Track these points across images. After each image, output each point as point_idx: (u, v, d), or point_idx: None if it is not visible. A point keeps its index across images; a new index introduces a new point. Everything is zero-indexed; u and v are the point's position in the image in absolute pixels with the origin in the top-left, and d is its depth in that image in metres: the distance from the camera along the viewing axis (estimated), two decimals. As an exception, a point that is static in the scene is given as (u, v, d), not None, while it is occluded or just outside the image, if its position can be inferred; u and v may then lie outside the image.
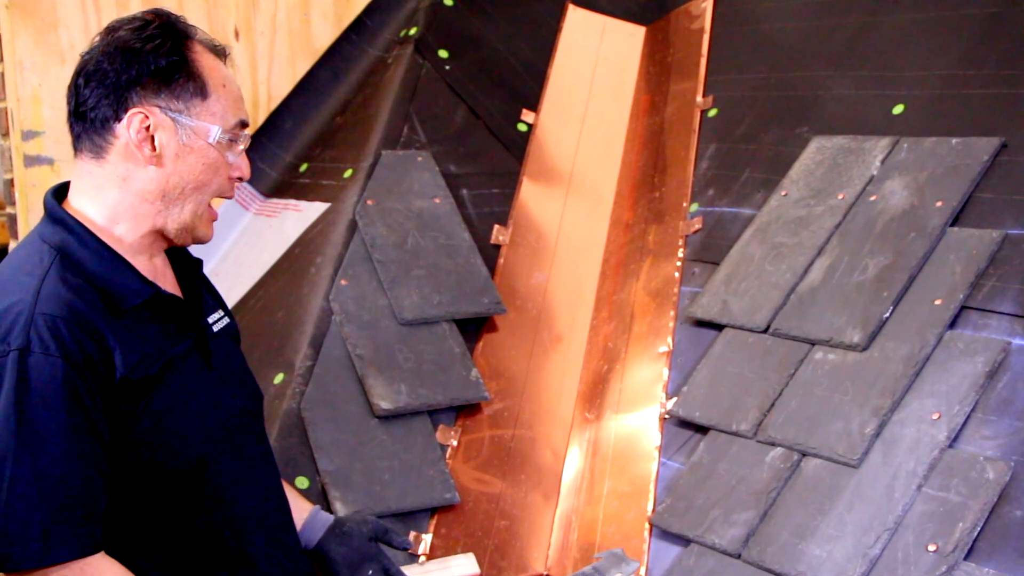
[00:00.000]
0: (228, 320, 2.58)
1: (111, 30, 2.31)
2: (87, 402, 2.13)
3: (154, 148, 2.27)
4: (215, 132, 2.30)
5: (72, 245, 2.25)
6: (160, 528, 2.30)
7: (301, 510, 2.75)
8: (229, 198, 2.44)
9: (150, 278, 2.31)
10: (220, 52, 2.40)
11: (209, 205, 2.38)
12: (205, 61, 2.32)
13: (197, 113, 2.29)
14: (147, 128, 2.25)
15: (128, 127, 2.25)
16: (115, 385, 2.18)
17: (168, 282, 2.42)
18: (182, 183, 2.30)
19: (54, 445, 2.09)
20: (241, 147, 2.37)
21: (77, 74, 2.30)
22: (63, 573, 2.10)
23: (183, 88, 2.28)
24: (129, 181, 2.29)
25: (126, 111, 2.25)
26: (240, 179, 2.40)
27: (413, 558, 3.17)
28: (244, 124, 2.38)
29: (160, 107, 2.26)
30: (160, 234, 2.35)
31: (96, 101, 2.26)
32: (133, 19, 2.32)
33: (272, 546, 2.48)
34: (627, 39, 4.69)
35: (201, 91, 2.30)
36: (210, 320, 2.49)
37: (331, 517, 2.76)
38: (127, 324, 2.22)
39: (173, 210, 2.32)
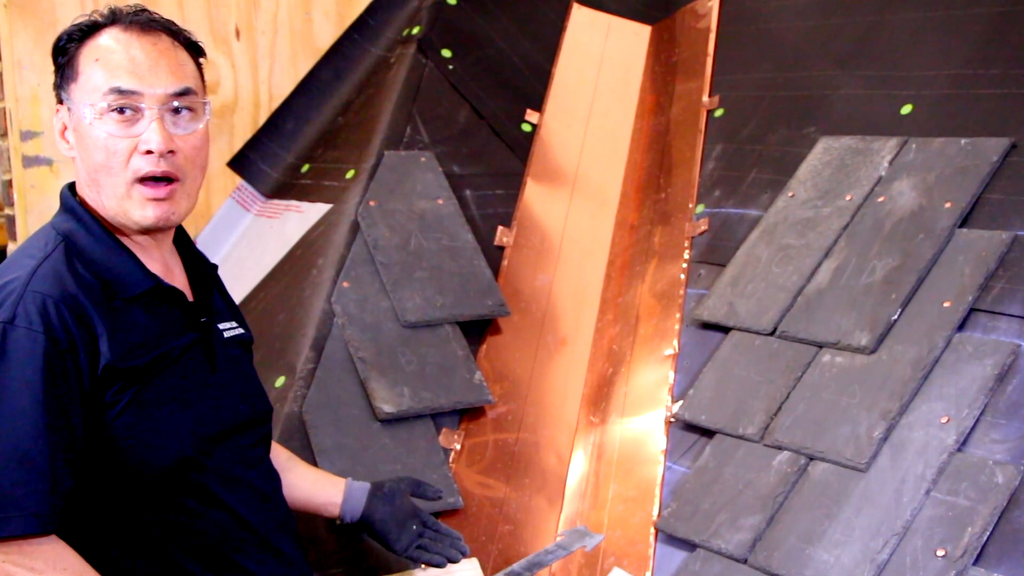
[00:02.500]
0: (242, 331, 2.60)
1: None
2: (63, 382, 2.14)
3: (66, 140, 2.34)
4: (88, 113, 2.27)
5: (78, 233, 2.30)
6: (144, 526, 2.30)
7: (336, 485, 2.86)
8: (159, 176, 2.29)
9: (159, 274, 2.35)
10: (142, 24, 2.33)
11: (142, 184, 2.29)
12: (94, 44, 2.30)
13: (75, 99, 2.30)
14: (63, 123, 2.33)
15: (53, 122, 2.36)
16: (99, 372, 2.19)
17: (177, 281, 2.44)
18: (88, 168, 2.31)
19: (23, 420, 2.10)
20: (115, 115, 2.27)
21: None
22: (11, 548, 2.09)
23: (64, 76, 2.32)
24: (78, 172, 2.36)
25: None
26: (149, 151, 2.27)
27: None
28: (119, 90, 2.27)
29: (65, 99, 2.32)
30: (119, 224, 2.35)
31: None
32: None
33: (266, 553, 2.47)
34: (632, 38, 4.68)
35: (73, 76, 2.31)
36: (222, 326, 2.51)
37: (366, 484, 2.89)
38: (123, 313, 2.25)
39: (101, 197, 2.32)
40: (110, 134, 2.26)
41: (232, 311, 2.63)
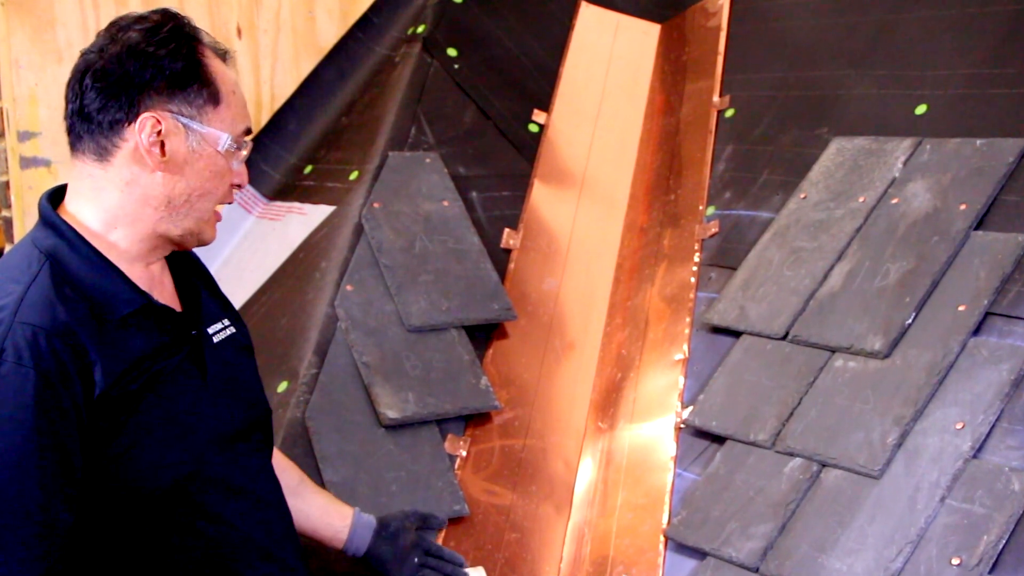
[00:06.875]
0: (234, 329, 2.55)
1: (120, 29, 2.27)
2: (57, 417, 2.08)
3: (164, 154, 2.25)
4: (225, 140, 2.30)
5: (63, 251, 2.22)
6: (143, 546, 2.27)
7: (343, 518, 2.89)
8: (228, 203, 2.43)
9: (145, 287, 2.30)
10: (224, 55, 2.38)
11: (214, 210, 2.39)
12: (215, 66, 2.31)
13: (208, 120, 2.28)
14: (158, 133, 2.24)
15: (140, 131, 2.23)
16: (93, 401, 2.14)
17: (165, 291, 2.39)
18: (188, 190, 2.29)
19: (15, 463, 2.05)
20: (244, 154, 2.37)
21: (83, 73, 2.25)
22: None
23: (197, 94, 2.27)
24: (133, 185, 2.26)
25: (138, 115, 2.23)
26: (239, 186, 2.39)
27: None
28: (249, 131, 2.38)
29: (172, 112, 2.25)
30: (162, 240, 2.33)
31: (104, 103, 2.23)
32: (142, 19, 2.29)
33: (268, 563, 2.45)
34: (641, 37, 4.67)
35: (214, 98, 2.29)
36: (212, 329, 2.46)
37: (373, 520, 2.92)
38: (114, 335, 2.19)
39: (176, 216, 2.30)
40: (231, 168, 2.34)
41: (225, 308, 2.59)
